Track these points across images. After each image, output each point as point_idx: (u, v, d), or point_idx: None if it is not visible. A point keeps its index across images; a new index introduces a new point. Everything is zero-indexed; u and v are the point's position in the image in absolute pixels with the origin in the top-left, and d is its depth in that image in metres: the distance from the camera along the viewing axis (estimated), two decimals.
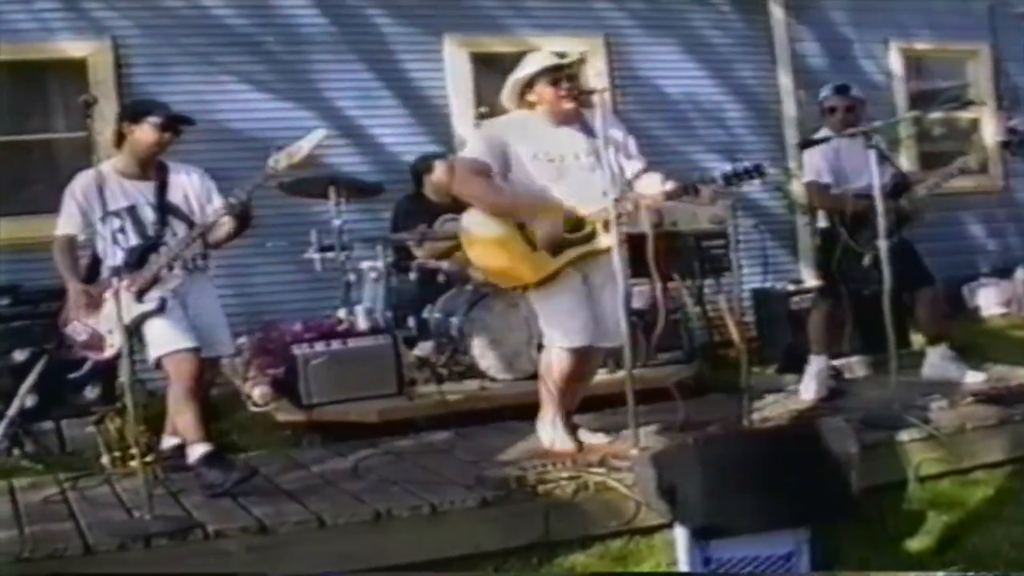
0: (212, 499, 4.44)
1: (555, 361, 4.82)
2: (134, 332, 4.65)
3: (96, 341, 4.83)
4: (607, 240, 4.63)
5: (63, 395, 6.08)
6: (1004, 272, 9.54)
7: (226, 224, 4.91)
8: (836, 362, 6.26)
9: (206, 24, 7.73)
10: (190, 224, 4.89)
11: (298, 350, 6.00)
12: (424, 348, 6.47)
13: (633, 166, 4.88)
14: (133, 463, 4.62)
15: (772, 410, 5.67)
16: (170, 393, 4.77)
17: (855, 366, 6.64)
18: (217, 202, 4.92)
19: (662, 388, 5.34)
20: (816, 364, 5.98)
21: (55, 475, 5.16)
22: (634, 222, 4.69)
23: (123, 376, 4.32)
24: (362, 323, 6.35)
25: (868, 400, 5.62)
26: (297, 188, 6.45)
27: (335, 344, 6.07)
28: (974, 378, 5.89)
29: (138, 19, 7.55)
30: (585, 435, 5.02)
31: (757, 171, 4.63)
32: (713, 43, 9.12)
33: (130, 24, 7.54)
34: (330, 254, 6.45)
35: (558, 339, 4.81)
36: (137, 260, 4.79)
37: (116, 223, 4.78)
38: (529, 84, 4.81)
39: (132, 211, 4.87)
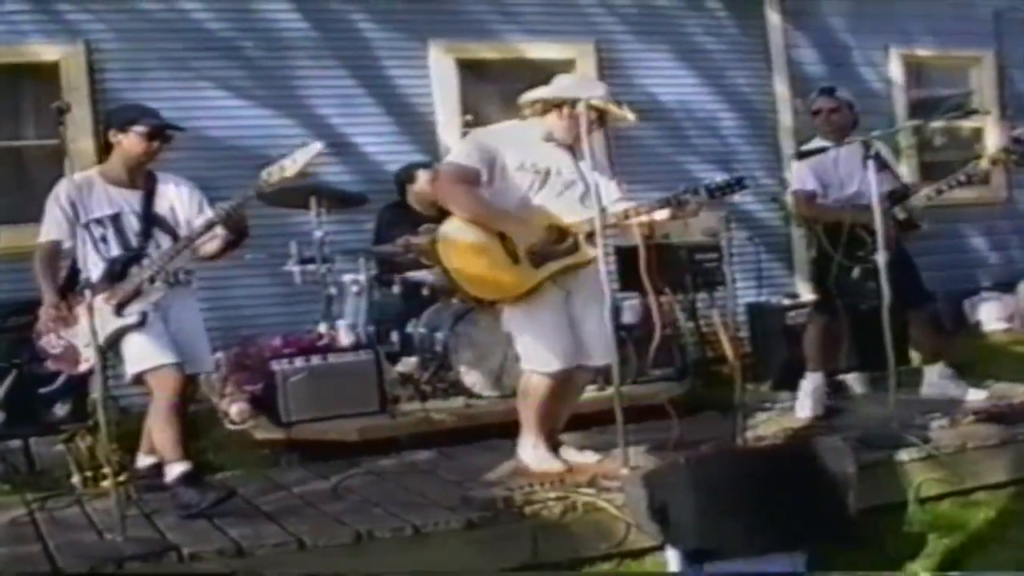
0: (187, 520, 4.43)
1: (533, 386, 4.84)
2: (112, 346, 4.64)
3: (71, 355, 4.79)
4: (591, 252, 4.66)
5: (32, 411, 6.06)
6: (1007, 286, 9.56)
7: (218, 237, 4.89)
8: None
9: (184, 28, 7.72)
10: (175, 237, 4.87)
11: (277, 366, 5.99)
12: (407, 364, 6.47)
13: (614, 192, 4.92)
14: (105, 483, 4.61)
15: (767, 428, 5.68)
16: (152, 410, 4.74)
17: (852, 383, 6.66)
18: (209, 214, 4.89)
19: (652, 406, 5.36)
20: (812, 381, 6.01)
21: (23, 495, 5.13)
22: (624, 235, 4.72)
23: (95, 392, 4.31)
24: (344, 338, 6.36)
25: (866, 418, 5.65)
26: (277, 198, 6.44)
27: (315, 360, 6.06)
28: (975, 396, 5.92)
29: (113, 22, 7.54)
30: (573, 454, 5.03)
31: (739, 184, 4.74)
32: (707, 49, 9.14)
33: (104, 27, 7.52)
34: (311, 266, 6.46)
35: (537, 363, 4.81)
36: (119, 272, 4.77)
37: (99, 231, 4.78)
38: (559, 105, 4.80)
39: (116, 219, 4.84)
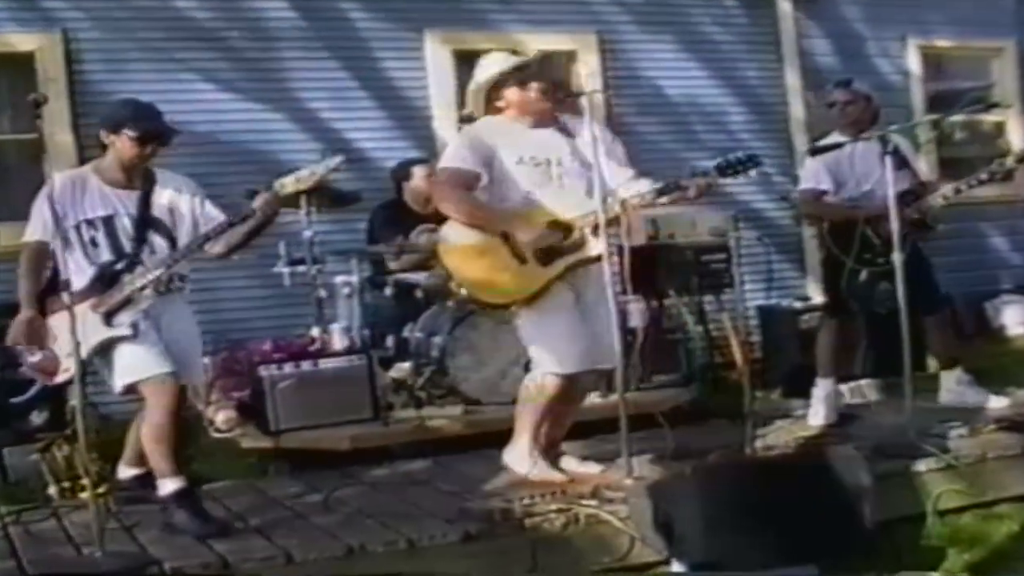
0: (170, 534, 4.42)
1: (544, 387, 4.83)
2: (100, 356, 4.58)
3: (51, 364, 4.67)
4: (598, 246, 4.66)
5: (6, 420, 6.05)
6: None
7: (221, 241, 4.79)
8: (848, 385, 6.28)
9: (166, 16, 7.70)
10: (172, 240, 4.79)
11: (265, 371, 5.99)
12: (401, 369, 6.46)
13: (622, 173, 4.89)
14: (83, 494, 4.60)
15: (777, 437, 5.69)
16: (146, 422, 4.65)
17: (867, 389, 6.66)
18: (212, 212, 4.84)
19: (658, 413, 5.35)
20: (824, 387, 6.00)
21: None
22: (626, 230, 4.70)
23: (74, 399, 4.28)
24: (338, 342, 6.35)
25: (881, 426, 5.65)
26: None
27: (305, 365, 6.06)
28: (997, 403, 5.92)
29: (91, 10, 7.53)
30: (574, 464, 5.03)
31: (752, 161, 4.67)
32: (715, 40, 9.15)
33: (82, 15, 7.51)
34: (300, 268, 6.45)
35: (552, 364, 4.80)
36: (109, 279, 4.67)
37: (89, 233, 4.70)
38: (495, 88, 4.88)
39: (109, 222, 4.74)
